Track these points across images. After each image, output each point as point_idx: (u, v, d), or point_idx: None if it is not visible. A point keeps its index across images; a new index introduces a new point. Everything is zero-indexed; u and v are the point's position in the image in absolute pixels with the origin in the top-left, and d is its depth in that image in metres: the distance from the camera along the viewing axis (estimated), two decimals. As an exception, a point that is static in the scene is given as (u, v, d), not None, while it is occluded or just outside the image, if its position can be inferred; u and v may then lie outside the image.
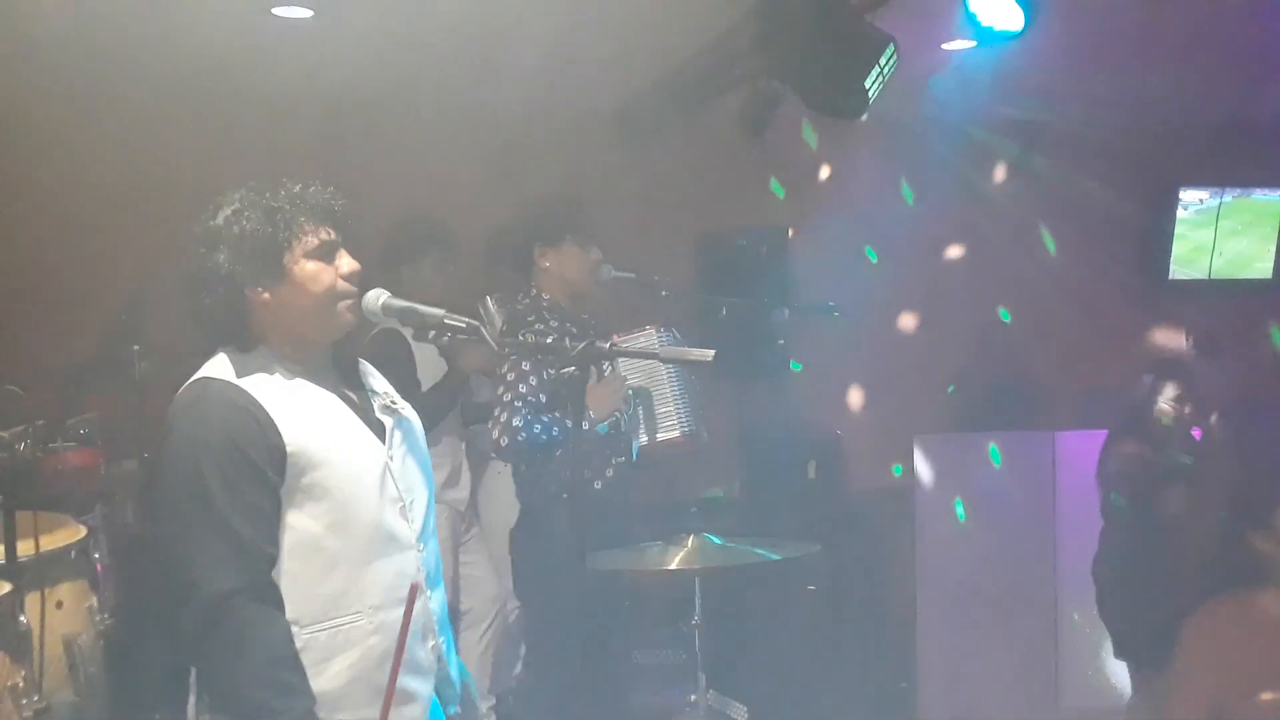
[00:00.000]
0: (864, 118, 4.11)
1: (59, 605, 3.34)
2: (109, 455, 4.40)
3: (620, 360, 4.06)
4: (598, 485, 4.03)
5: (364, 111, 5.17)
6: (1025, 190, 6.33)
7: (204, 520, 2.28)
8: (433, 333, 2.52)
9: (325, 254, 2.43)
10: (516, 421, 3.87)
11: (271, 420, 2.34)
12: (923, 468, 5.78)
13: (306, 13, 4.40)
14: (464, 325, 2.47)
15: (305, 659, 2.33)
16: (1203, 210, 6.76)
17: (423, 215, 4.83)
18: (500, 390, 3.94)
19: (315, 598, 2.35)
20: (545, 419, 3.88)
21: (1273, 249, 6.84)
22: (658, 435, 4.12)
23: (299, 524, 2.35)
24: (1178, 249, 6.74)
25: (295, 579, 2.34)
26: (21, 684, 3.10)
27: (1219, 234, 6.76)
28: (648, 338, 4.10)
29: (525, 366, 3.91)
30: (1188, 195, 6.71)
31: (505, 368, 3.95)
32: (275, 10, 4.37)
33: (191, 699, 2.41)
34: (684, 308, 4.90)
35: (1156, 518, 4.73)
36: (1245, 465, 4.61)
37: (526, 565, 4.11)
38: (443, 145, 5.26)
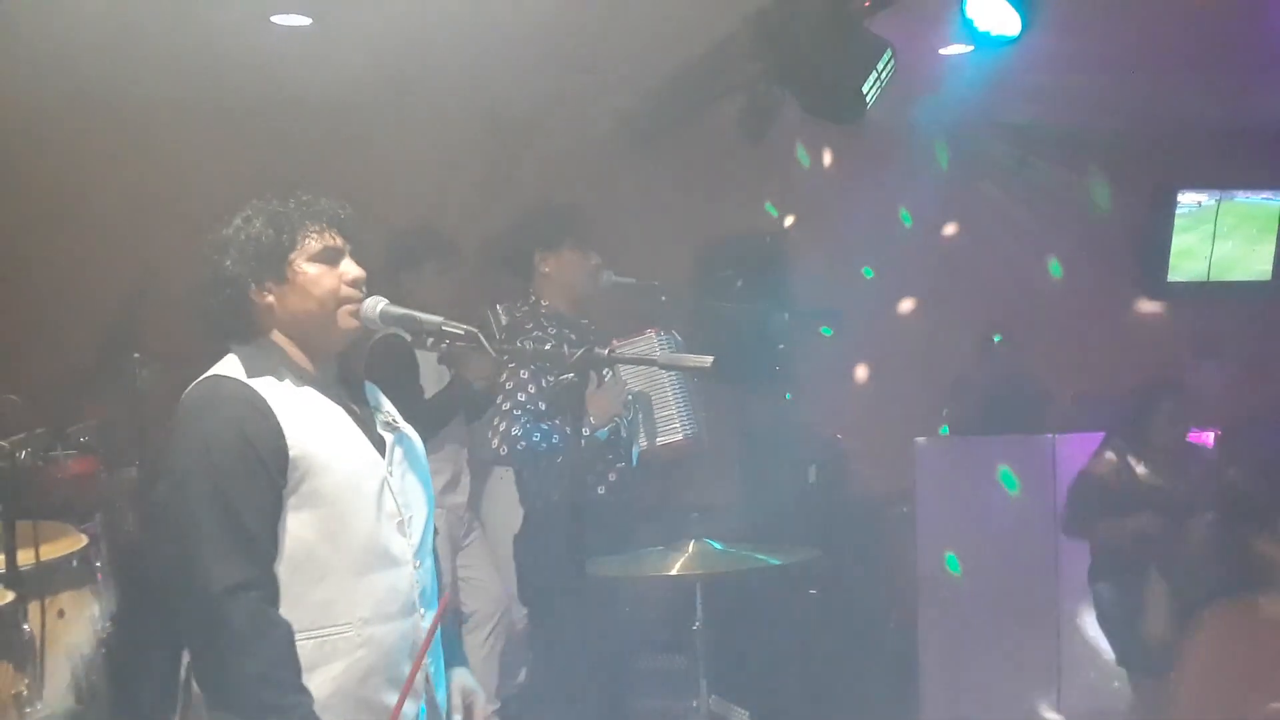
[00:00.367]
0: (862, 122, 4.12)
1: (61, 614, 3.35)
2: (109, 463, 4.40)
3: (620, 365, 4.06)
4: (599, 491, 4.03)
5: (363, 118, 5.17)
6: (1024, 193, 6.34)
7: (212, 513, 2.28)
8: (431, 340, 2.52)
9: (328, 258, 2.45)
10: (515, 430, 3.87)
11: (278, 421, 2.35)
12: (923, 472, 5.78)
13: (305, 20, 4.41)
14: (462, 332, 2.47)
15: None
16: (1201, 212, 6.77)
17: (424, 223, 4.84)
18: (499, 399, 3.95)
19: (304, 606, 2.34)
20: (544, 427, 3.88)
21: (1271, 250, 6.85)
22: (658, 439, 4.11)
23: (293, 530, 2.35)
24: (1176, 251, 6.75)
25: (285, 585, 2.34)
26: (25, 692, 3.11)
27: (1218, 236, 6.77)
28: (648, 342, 4.10)
29: (524, 375, 3.92)
30: (1186, 198, 6.72)
31: (504, 376, 3.95)
32: (274, 18, 4.37)
33: (179, 705, 2.41)
34: (684, 312, 4.90)
35: (1139, 532, 4.77)
36: (1248, 470, 4.62)
37: (530, 571, 4.12)
38: (442, 152, 5.26)
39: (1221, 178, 6.69)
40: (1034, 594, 5.50)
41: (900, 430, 5.88)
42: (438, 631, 2.48)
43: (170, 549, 2.33)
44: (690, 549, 3.47)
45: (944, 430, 6.13)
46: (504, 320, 4.13)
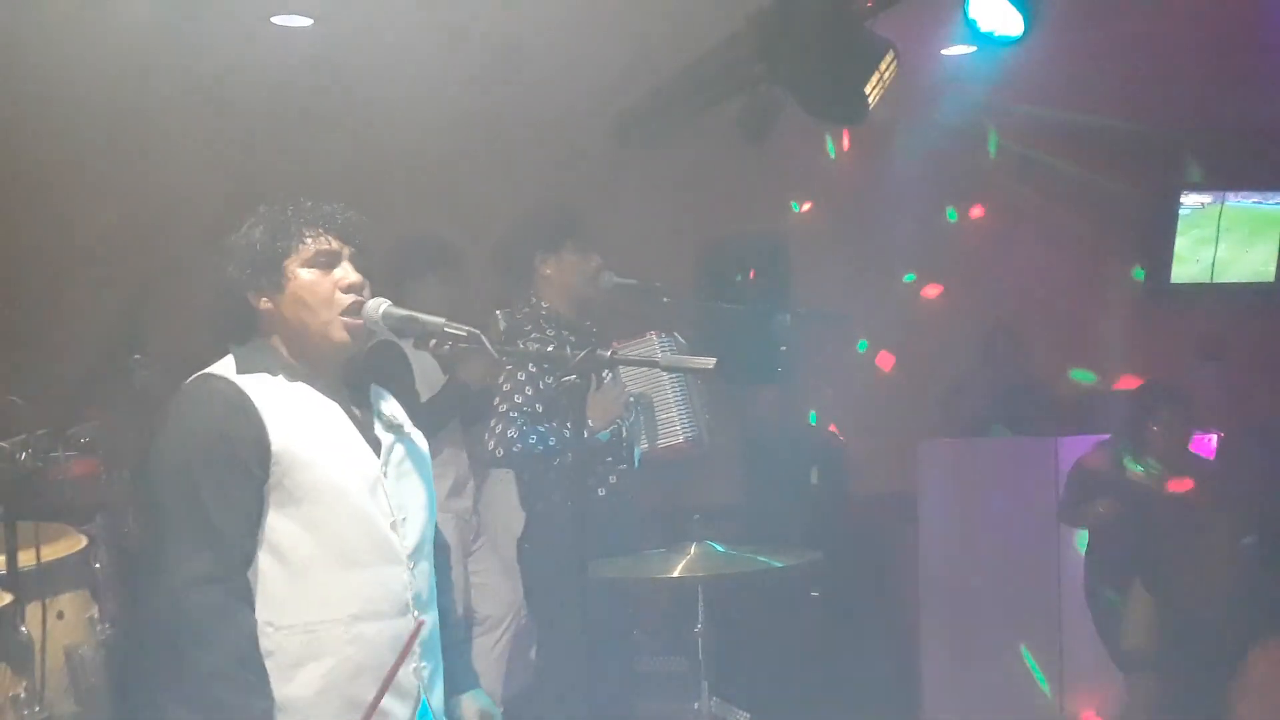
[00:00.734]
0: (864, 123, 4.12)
1: (60, 615, 3.33)
2: (110, 465, 4.39)
3: (621, 367, 4.05)
4: (601, 493, 4.02)
5: (363, 120, 5.17)
6: (1027, 193, 6.33)
7: (182, 507, 2.30)
8: (434, 341, 2.51)
9: (324, 263, 2.44)
10: (512, 433, 3.87)
11: (260, 415, 2.35)
12: (926, 473, 5.77)
13: (306, 21, 4.41)
14: (464, 334, 2.46)
15: (276, 661, 2.31)
16: (1204, 214, 6.76)
17: (428, 231, 4.83)
18: (496, 401, 3.94)
19: (290, 599, 2.34)
20: (541, 429, 3.87)
21: (1275, 252, 6.85)
22: (659, 441, 4.10)
23: (279, 524, 2.35)
24: (1180, 252, 6.74)
25: (272, 579, 2.34)
26: (23, 694, 3.09)
27: (1221, 237, 6.76)
28: (648, 345, 4.09)
29: (521, 377, 3.91)
30: (1189, 199, 6.71)
31: (502, 378, 3.94)
32: (275, 19, 4.37)
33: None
34: (686, 313, 4.89)
35: (1131, 532, 4.77)
36: (1252, 473, 4.63)
37: (533, 573, 4.11)
38: (443, 153, 5.25)
39: (1224, 179, 6.68)
40: (1035, 595, 5.49)
41: (903, 432, 5.87)
42: (436, 638, 2.49)
43: (149, 542, 2.36)
44: (692, 551, 3.46)
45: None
46: (503, 325, 4.12)
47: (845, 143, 5.90)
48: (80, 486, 4.07)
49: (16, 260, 4.92)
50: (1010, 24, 4.07)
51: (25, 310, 4.90)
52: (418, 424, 2.67)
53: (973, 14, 4.07)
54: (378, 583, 2.40)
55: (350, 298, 2.44)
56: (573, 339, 4.01)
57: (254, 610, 2.32)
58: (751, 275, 5.41)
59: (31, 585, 3.17)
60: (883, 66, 4.00)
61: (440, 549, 2.69)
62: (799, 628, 5.27)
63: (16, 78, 4.34)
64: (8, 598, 3.12)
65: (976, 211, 6.39)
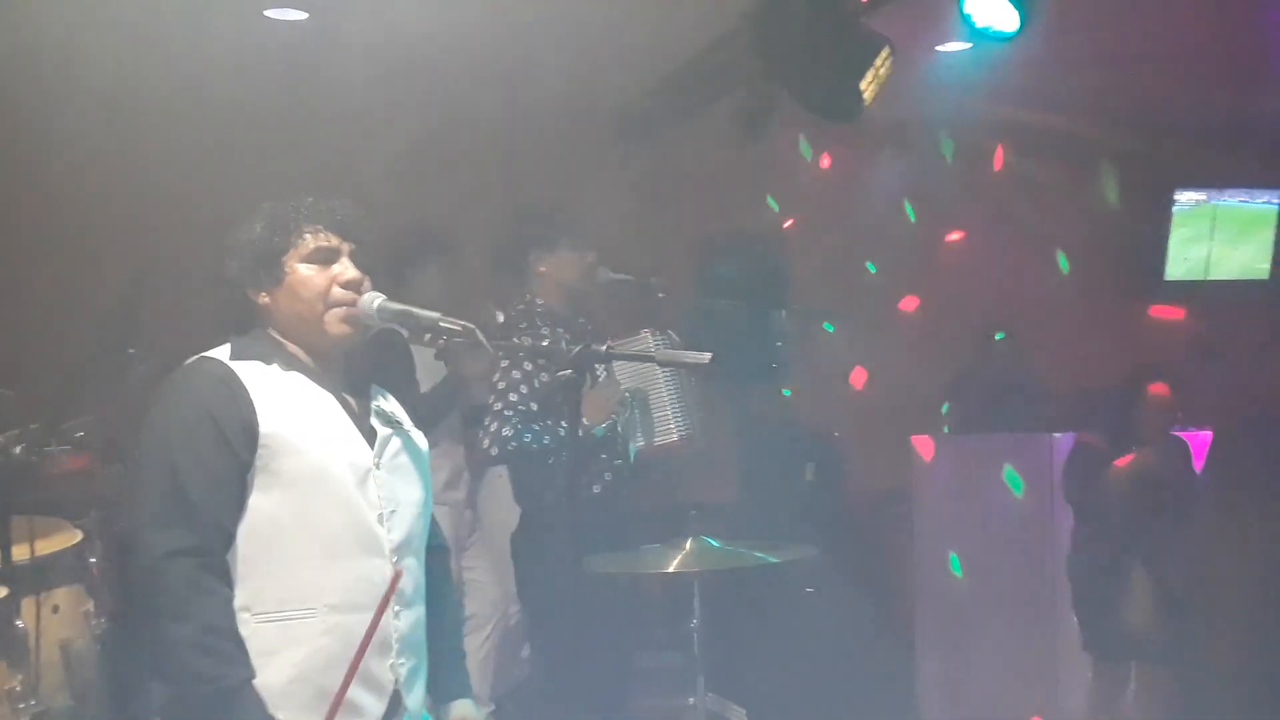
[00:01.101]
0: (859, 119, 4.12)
1: (55, 610, 3.32)
2: (104, 459, 4.38)
3: (616, 364, 4.05)
4: (596, 489, 4.03)
5: (357, 114, 5.16)
6: (1023, 192, 6.33)
7: (161, 480, 2.31)
8: (429, 335, 2.52)
9: (321, 259, 2.45)
10: (506, 430, 3.87)
11: (249, 398, 2.36)
12: (921, 470, 5.78)
13: (300, 15, 4.40)
14: (459, 328, 2.46)
15: (250, 648, 2.30)
16: (1198, 211, 6.77)
17: (427, 222, 4.82)
18: (491, 399, 3.94)
19: (270, 586, 2.33)
20: (536, 427, 3.88)
21: (1268, 249, 6.86)
22: (654, 439, 4.12)
23: (263, 508, 2.34)
24: (1173, 249, 6.75)
25: (253, 564, 2.33)
26: (18, 688, 3.09)
27: (1215, 234, 6.77)
28: (642, 343, 4.09)
29: (516, 375, 3.91)
30: (1184, 196, 6.72)
31: (497, 376, 3.94)
32: (268, 12, 4.36)
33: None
34: (681, 310, 4.89)
35: (1117, 519, 4.78)
36: (1252, 468, 4.64)
37: (527, 570, 4.11)
38: (438, 148, 5.25)
39: (1219, 176, 6.69)
40: (1031, 592, 5.50)
41: (898, 428, 5.87)
42: (420, 637, 2.47)
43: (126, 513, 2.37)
44: (688, 546, 3.46)
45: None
46: (499, 320, 4.12)
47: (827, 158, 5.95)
48: (75, 481, 4.06)
49: (10, 254, 4.92)
50: (1006, 20, 4.07)
51: (19, 304, 4.89)
52: (416, 416, 2.66)
53: (968, 10, 4.08)
54: (359, 575, 2.38)
55: (347, 293, 2.44)
56: (568, 335, 4.01)
57: (231, 588, 2.31)
58: (737, 280, 5.41)
59: (26, 580, 3.17)
60: (878, 63, 4.00)
61: (439, 551, 2.69)
62: (794, 623, 5.27)
63: (12, 74, 4.34)
64: (2, 592, 3.12)
65: (970, 210, 6.39)
